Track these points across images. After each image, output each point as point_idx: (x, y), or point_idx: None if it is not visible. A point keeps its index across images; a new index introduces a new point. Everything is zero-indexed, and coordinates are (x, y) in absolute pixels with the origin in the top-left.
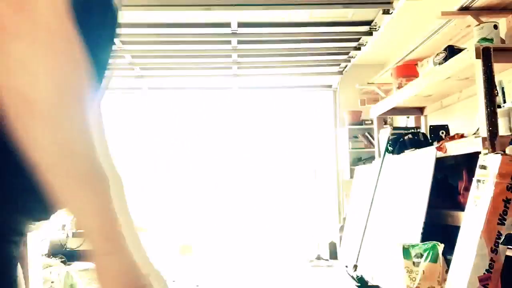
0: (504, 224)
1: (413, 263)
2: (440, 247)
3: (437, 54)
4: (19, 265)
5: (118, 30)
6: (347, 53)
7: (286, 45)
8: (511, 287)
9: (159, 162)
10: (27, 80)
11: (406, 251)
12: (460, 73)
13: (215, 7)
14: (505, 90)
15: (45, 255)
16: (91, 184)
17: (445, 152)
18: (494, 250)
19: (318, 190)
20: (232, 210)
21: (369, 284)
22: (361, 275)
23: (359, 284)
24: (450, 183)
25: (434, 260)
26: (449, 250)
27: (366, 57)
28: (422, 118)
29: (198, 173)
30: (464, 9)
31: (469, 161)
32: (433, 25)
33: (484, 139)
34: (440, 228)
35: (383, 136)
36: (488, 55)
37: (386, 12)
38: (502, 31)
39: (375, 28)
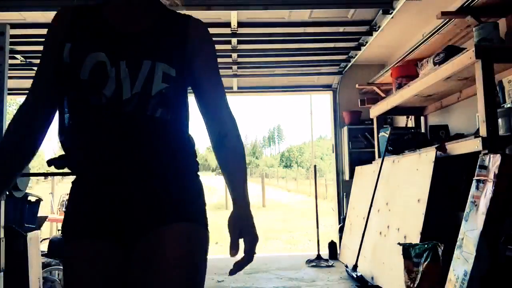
0: (504, 224)
1: (413, 263)
2: (440, 247)
3: (437, 54)
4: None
5: None
6: (347, 53)
7: (286, 45)
8: (511, 287)
9: None
10: None
11: (406, 251)
12: (460, 73)
13: (215, 7)
14: (505, 90)
15: (45, 255)
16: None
17: (445, 152)
18: (494, 250)
19: (318, 190)
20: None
21: (369, 284)
22: (361, 275)
23: (359, 284)
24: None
25: (434, 260)
26: (449, 250)
27: (366, 57)
28: (422, 118)
29: None
30: (464, 9)
31: (469, 161)
32: (433, 25)
33: (484, 139)
34: (440, 228)
35: (383, 136)
36: (488, 55)
37: (386, 12)
38: (502, 31)
39: (375, 28)
